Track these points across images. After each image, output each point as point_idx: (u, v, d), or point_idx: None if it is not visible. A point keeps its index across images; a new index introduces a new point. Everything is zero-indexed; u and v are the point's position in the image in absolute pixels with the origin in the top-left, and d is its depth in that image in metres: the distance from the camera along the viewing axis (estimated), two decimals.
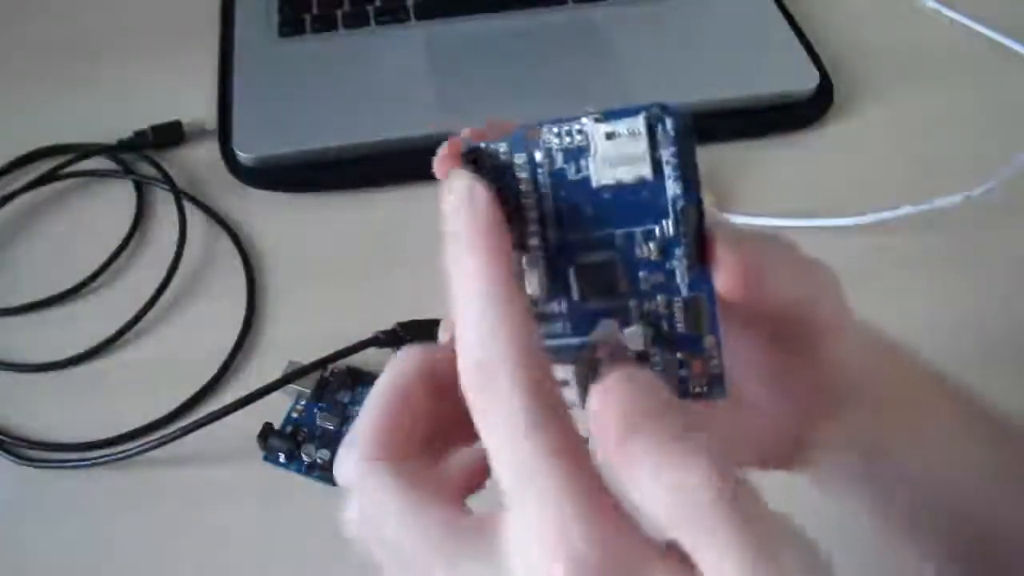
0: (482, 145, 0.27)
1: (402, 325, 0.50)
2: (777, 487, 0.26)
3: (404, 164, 0.60)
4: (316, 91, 0.63)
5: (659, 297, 0.26)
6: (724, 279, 0.26)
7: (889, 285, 0.54)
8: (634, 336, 0.26)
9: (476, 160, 0.27)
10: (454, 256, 0.25)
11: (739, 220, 0.57)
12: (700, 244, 0.25)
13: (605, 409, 0.22)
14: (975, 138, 0.62)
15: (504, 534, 0.23)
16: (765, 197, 0.58)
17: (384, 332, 0.49)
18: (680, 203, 0.25)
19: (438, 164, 0.27)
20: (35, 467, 0.48)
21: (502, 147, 0.27)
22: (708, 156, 0.65)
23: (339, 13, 0.68)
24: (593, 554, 0.21)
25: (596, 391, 0.23)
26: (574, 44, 0.66)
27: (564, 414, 0.23)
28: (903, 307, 0.53)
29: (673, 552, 0.21)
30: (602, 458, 0.22)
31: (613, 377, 0.23)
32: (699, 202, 0.25)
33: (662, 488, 0.21)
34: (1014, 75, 0.66)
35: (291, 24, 0.68)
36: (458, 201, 0.25)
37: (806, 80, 0.63)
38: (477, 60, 0.65)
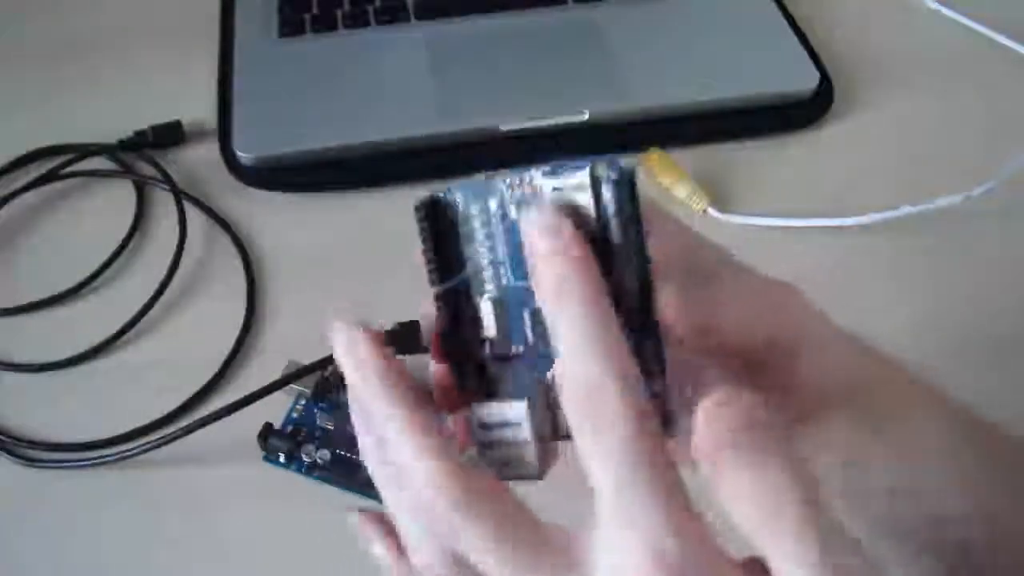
0: (440, 195, 0.28)
1: (402, 325, 0.50)
2: None
3: (404, 164, 0.60)
4: (316, 91, 0.63)
5: None
6: (672, 327, 0.27)
7: (889, 285, 0.55)
8: None
9: (432, 211, 0.28)
10: (561, 293, 0.25)
11: (739, 220, 0.57)
12: (646, 297, 0.26)
13: (710, 423, 0.24)
14: (975, 138, 0.62)
15: (595, 545, 0.23)
16: (765, 197, 0.58)
17: (384, 332, 0.49)
18: (623, 254, 0.25)
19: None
20: (35, 467, 0.48)
21: (458, 197, 0.28)
22: (708, 156, 0.66)
23: (339, 13, 0.68)
24: (684, 565, 0.22)
25: (704, 407, 0.24)
26: (574, 44, 0.66)
27: (660, 437, 0.24)
28: (902, 307, 0.53)
29: (752, 566, 0.23)
30: (705, 467, 0.24)
31: (716, 397, 0.24)
32: (642, 254, 0.26)
33: (756, 493, 0.23)
34: (1014, 75, 0.66)
35: (291, 24, 0.68)
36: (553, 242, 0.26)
37: (806, 80, 0.63)
38: (477, 60, 0.65)
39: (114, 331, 0.53)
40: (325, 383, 0.49)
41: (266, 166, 0.60)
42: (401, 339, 0.50)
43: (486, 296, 0.28)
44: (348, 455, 0.47)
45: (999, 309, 0.53)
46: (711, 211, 0.57)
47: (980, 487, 0.33)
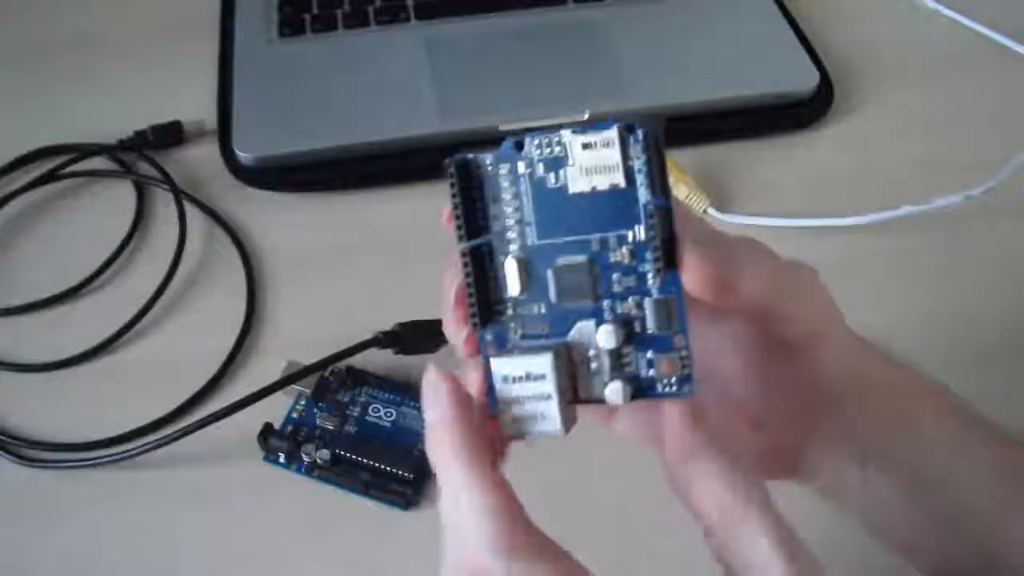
0: (469, 156, 0.29)
1: (402, 325, 0.50)
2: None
3: (404, 164, 0.60)
4: (316, 91, 0.63)
5: (631, 299, 0.28)
6: (691, 281, 0.27)
7: (889, 285, 0.55)
8: (607, 335, 0.28)
9: (463, 171, 0.29)
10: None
11: (739, 220, 0.57)
12: (669, 248, 0.27)
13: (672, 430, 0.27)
14: (975, 138, 0.62)
15: None
16: (765, 197, 0.58)
17: (384, 332, 0.49)
18: (650, 209, 0.27)
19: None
20: (35, 467, 0.48)
21: (487, 159, 0.29)
22: (708, 156, 0.66)
23: (339, 13, 0.68)
24: None
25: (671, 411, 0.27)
26: (574, 44, 0.66)
27: None
28: (903, 307, 0.53)
29: None
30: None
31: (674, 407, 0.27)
32: (668, 209, 0.27)
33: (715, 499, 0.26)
34: (1014, 75, 0.66)
35: (291, 24, 0.68)
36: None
37: (806, 80, 0.63)
38: (477, 60, 0.65)
39: (114, 331, 0.53)
40: (325, 383, 0.50)
41: (266, 166, 0.60)
42: (401, 339, 0.50)
43: (510, 255, 0.29)
44: (348, 455, 0.47)
45: (999, 309, 0.53)
46: (711, 211, 0.57)
47: (993, 486, 0.33)
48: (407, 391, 0.49)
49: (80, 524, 0.46)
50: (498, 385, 0.28)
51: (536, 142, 0.28)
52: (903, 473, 0.33)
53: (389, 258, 0.57)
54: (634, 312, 0.28)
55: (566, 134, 0.28)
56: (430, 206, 0.58)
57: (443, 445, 0.27)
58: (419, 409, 0.49)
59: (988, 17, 0.69)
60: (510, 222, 0.29)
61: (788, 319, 0.30)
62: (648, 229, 0.27)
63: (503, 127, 0.59)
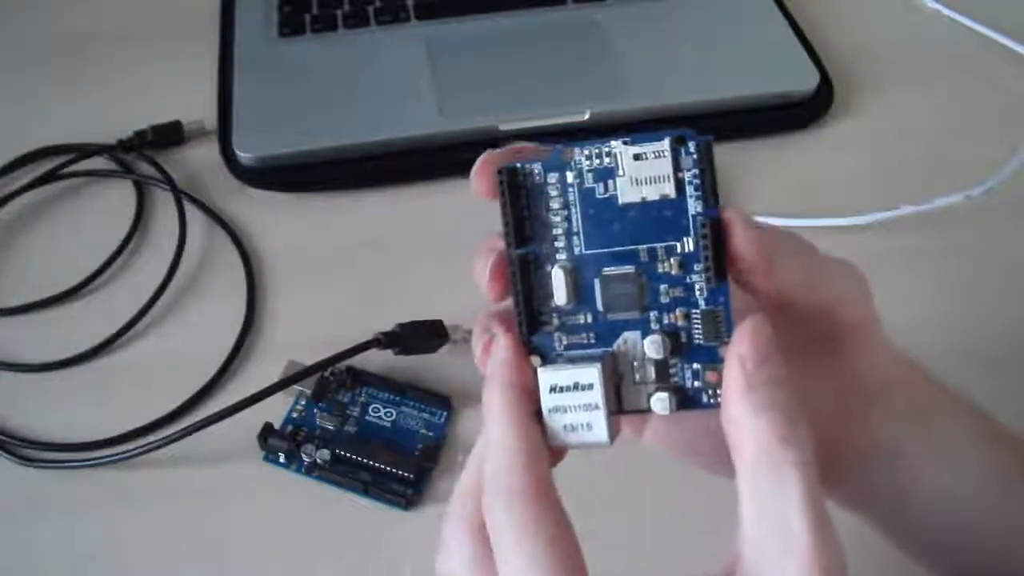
0: (517, 165, 0.29)
1: (402, 326, 0.50)
2: None
3: (404, 164, 0.60)
4: (316, 91, 0.63)
5: (678, 310, 0.28)
6: (736, 258, 0.27)
7: (888, 285, 0.54)
8: (654, 346, 0.28)
9: (512, 178, 0.29)
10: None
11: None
12: (719, 259, 0.27)
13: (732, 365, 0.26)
14: (975, 138, 0.62)
15: None
16: (765, 197, 0.58)
17: (384, 333, 0.49)
18: (701, 220, 0.27)
19: (475, 172, 0.29)
20: (35, 467, 0.48)
21: (536, 167, 0.29)
22: None
23: (339, 13, 0.68)
24: None
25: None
26: (574, 44, 0.66)
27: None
28: (903, 307, 0.53)
29: None
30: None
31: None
32: (718, 220, 0.27)
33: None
34: (1014, 75, 0.66)
35: (291, 24, 0.68)
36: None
37: (806, 80, 0.63)
38: (477, 60, 0.65)
39: (114, 331, 0.53)
40: (325, 383, 0.50)
41: (266, 166, 0.60)
42: (401, 340, 0.50)
43: (558, 265, 0.29)
44: (348, 455, 0.47)
45: (999, 309, 0.53)
46: None
47: (1015, 496, 0.33)
48: (407, 391, 0.49)
49: (80, 524, 0.46)
50: (544, 396, 0.28)
51: (585, 152, 0.28)
52: (926, 476, 0.32)
53: (389, 258, 0.57)
54: (681, 323, 0.28)
55: (616, 144, 0.28)
56: (430, 206, 0.59)
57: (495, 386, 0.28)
58: (419, 409, 0.49)
59: (988, 17, 0.69)
60: (558, 231, 0.29)
61: (833, 311, 0.30)
62: (699, 239, 0.27)
63: (503, 127, 0.59)
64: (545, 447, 0.27)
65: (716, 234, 0.27)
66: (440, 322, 0.50)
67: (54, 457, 0.48)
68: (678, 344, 0.28)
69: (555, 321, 0.29)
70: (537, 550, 0.25)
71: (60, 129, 0.63)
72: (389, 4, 0.68)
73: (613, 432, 0.28)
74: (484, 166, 0.29)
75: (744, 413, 0.25)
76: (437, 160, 0.59)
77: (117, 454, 0.47)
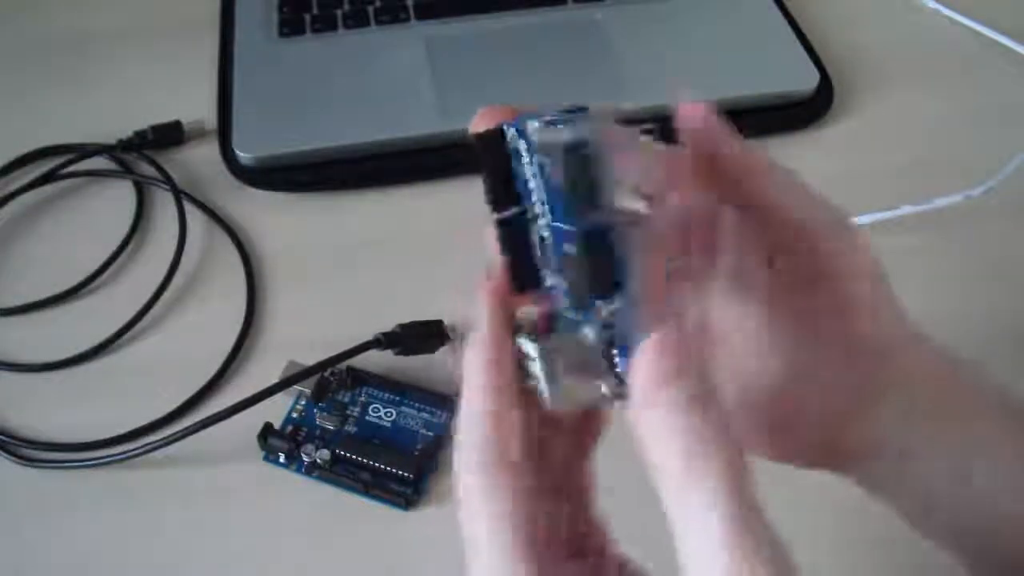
0: (502, 127, 0.28)
1: (402, 326, 0.50)
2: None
3: (404, 164, 0.60)
4: (316, 91, 0.63)
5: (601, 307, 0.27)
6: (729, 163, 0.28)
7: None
8: (589, 336, 0.27)
9: (491, 140, 0.28)
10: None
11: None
12: (594, 278, 0.26)
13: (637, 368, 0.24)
14: (975, 138, 0.62)
15: None
16: None
17: (385, 333, 0.49)
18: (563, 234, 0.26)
19: (472, 127, 0.30)
20: (35, 467, 0.48)
21: (510, 131, 0.28)
22: None
23: (339, 13, 0.68)
24: None
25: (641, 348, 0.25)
26: (574, 44, 0.66)
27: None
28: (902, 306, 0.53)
29: None
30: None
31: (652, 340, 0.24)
32: (600, 231, 0.25)
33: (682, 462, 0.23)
34: (1014, 75, 0.66)
35: (291, 24, 0.68)
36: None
37: (806, 80, 0.63)
38: (477, 60, 0.65)
39: (114, 331, 0.53)
40: (325, 383, 0.50)
41: (266, 166, 0.60)
42: (401, 340, 0.50)
43: (539, 232, 0.28)
44: (348, 455, 0.47)
45: (999, 309, 0.53)
46: None
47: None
48: (407, 391, 0.49)
49: (80, 524, 0.46)
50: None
51: (535, 124, 0.27)
52: (945, 471, 0.31)
53: (389, 258, 0.57)
54: (606, 319, 0.27)
55: (533, 125, 0.27)
56: (430, 206, 0.59)
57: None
58: (419, 409, 0.49)
59: (988, 17, 0.69)
60: (533, 197, 0.28)
61: (828, 255, 0.29)
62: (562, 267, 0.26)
63: (503, 127, 0.59)
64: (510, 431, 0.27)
65: (595, 246, 0.25)
66: (440, 322, 0.50)
67: (54, 457, 0.48)
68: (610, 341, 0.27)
69: (545, 283, 0.28)
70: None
71: (60, 129, 0.63)
72: (389, 4, 0.68)
73: (558, 403, 0.27)
74: (481, 120, 0.29)
75: (645, 436, 0.24)
76: (437, 160, 0.59)
77: (117, 454, 0.47)
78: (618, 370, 0.26)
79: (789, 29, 0.67)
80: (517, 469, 0.27)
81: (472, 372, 0.28)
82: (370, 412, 0.49)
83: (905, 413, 0.31)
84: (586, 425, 0.30)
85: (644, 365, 0.24)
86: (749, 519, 0.22)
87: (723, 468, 0.23)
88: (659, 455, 0.24)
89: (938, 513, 0.32)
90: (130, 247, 0.58)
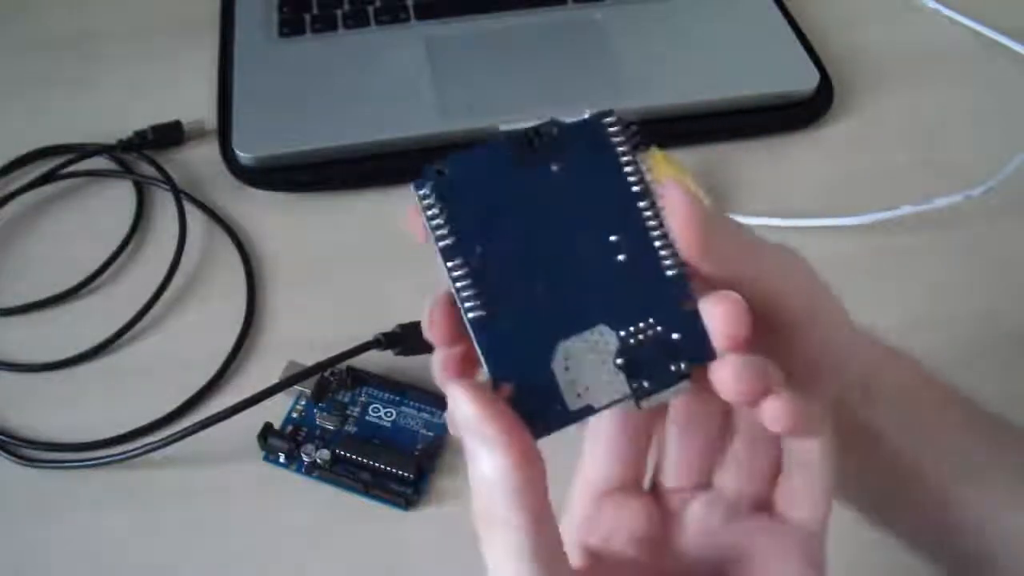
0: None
1: (403, 327, 0.50)
2: None
3: (404, 164, 0.60)
4: (316, 91, 0.63)
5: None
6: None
7: (889, 285, 0.55)
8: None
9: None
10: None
11: (739, 220, 0.57)
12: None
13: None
14: (975, 138, 0.62)
15: None
16: (765, 197, 0.58)
17: (385, 334, 0.49)
18: None
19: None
20: (35, 467, 0.48)
21: None
22: (708, 156, 0.66)
23: (339, 13, 0.68)
24: None
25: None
26: (574, 44, 0.66)
27: None
28: (903, 306, 0.53)
29: None
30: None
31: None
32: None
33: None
34: (1014, 75, 0.66)
35: (291, 24, 0.68)
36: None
37: (806, 80, 0.63)
38: (477, 60, 0.65)
39: (114, 331, 0.53)
40: (325, 383, 0.49)
41: (266, 166, 0.60)
42: (402, 340, 0.50)
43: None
44: (348, 455, 0.47)
45: (999, 309, 0.53)
46: None
47: (995, 482, 0.33)
48: (407, 391, 0.49)
49: (80, 524, 0.46)
50: None
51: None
52: (903, 458, 0.32)
53: (389, 258, 0.57)
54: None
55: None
56: None
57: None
58: (419, 409, 0.49)
59: (988, 17, 0.69)
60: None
61: (773, 296, 0.29)
62: None
63: (503, 127, 0.59)
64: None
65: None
66: None
67: (54, 457, 0.48)
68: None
69: None
70: None
71: (60, 129, 0.63)
72: (389, 4, 0.68)
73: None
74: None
75: None
76: (437, 160, 0.59)
77: (117, 454, 0.47)
78: None
79: (789, 29, 0.66)
80: None
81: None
82: (370, 412, 0.49)
83: (860, 400, 0.31)
84: None
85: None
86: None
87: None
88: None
89: (901, 510, 0.33)
90: (130, 247, 0.58)
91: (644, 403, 0.26)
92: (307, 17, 0.68)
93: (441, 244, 0.27)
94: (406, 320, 0.50)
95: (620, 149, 0.26)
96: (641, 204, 0.26)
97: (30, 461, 0.48)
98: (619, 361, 0.26)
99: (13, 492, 0.47)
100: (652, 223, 0.26)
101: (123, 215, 0.59)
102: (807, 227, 0.56)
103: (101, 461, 0.47)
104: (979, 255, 0.56)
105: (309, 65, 0.65)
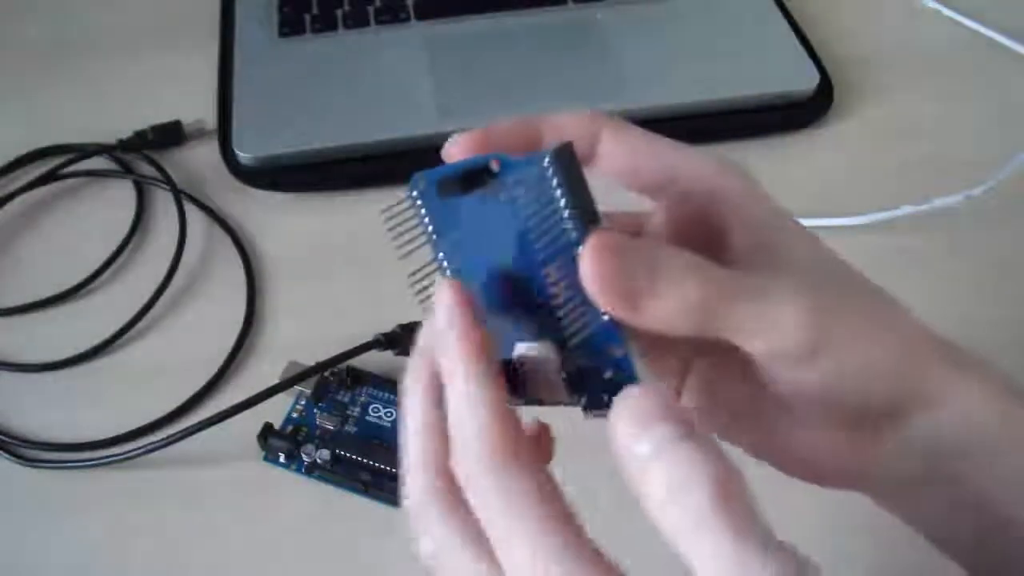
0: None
1: (403, 327, 0.50)
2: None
3: (404, 164, 0.59)
4: (316, 91, 0.63)
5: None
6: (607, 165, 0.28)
7: (889, 285, 0.54)
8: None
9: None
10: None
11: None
12: None
13: (618, 414, 0.24)
14: (975, 138, 0.62)
15: None
16: None
17: (385, 334, 0.49)
18: None
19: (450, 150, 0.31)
20: (35, 467, 0.48)
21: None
22: None
23: (339, 13, 0.68)
24: None
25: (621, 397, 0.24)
26: (574, 44, 0.66)
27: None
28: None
29: None
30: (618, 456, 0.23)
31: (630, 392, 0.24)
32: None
33: (665, 490, 0.22)
34: (1014, 75, 0.66)
35: (291, 24, 0.68)
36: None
37: (806, 80, 0.63)
38: (477, 60, 0.65)
39: (114, 331, 0.53)
40: (325, 383, 0.50)
41: (266, 166, 0.60)
42: (402, 341, 0.50)
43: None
44: (348, 455, 0.47)
45: (999, 309, 0.53)
46: None
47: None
48: None
49: (80, 524, 0.46)
50: None
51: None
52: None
53: (389, 259, 0.56)
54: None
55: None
56: None
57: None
58: None
59: (988, 17, 0.69)
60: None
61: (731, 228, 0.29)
62: None
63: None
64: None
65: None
66: None
67: (54, 457, 0.48)
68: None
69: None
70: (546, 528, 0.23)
71: (60, 129, 0.63)
72: (389, 4, 0.68)
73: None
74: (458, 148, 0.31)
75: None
76: (437, 160, 0.59)
77: (117, 454, 0.47)
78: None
79: (789, 29, 0.66)
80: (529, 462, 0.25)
81: (454, 357, 0.26)
82: (370, 412, 0.49)
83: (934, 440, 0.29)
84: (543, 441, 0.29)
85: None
86: (744, 529, 0.21)
87: (708, 485, 0.22)
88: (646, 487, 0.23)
89: (964, 523, 0.30)
90: (130, 247, 0.58)
91: (587, 415, 0.28)
92: (307, 17, 0.68)
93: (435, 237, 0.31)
94: (406, 320, 0.50)
95: (558, 194, 0.26)
96: (578, 249, 0.26)
97: (30, 461, 0.48)
98: (563, 375, 0.28)
99: (13, 492, 0.47)
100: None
101: (123, 215, 0.59)
102: (807, 227, 0.56)
103: (101, 461, 0.47)
104: (979, 255, 0.56)
105: (309, 65, 0.65)
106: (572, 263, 0.26)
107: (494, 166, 0.28)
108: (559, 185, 0.26)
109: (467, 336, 0.26)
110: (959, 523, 0.30)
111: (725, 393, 0.32)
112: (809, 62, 0.64)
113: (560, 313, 0.27)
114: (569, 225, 0.26)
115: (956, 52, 0.68)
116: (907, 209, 0.55)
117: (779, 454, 0.31)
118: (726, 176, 0.30)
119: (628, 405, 0.23)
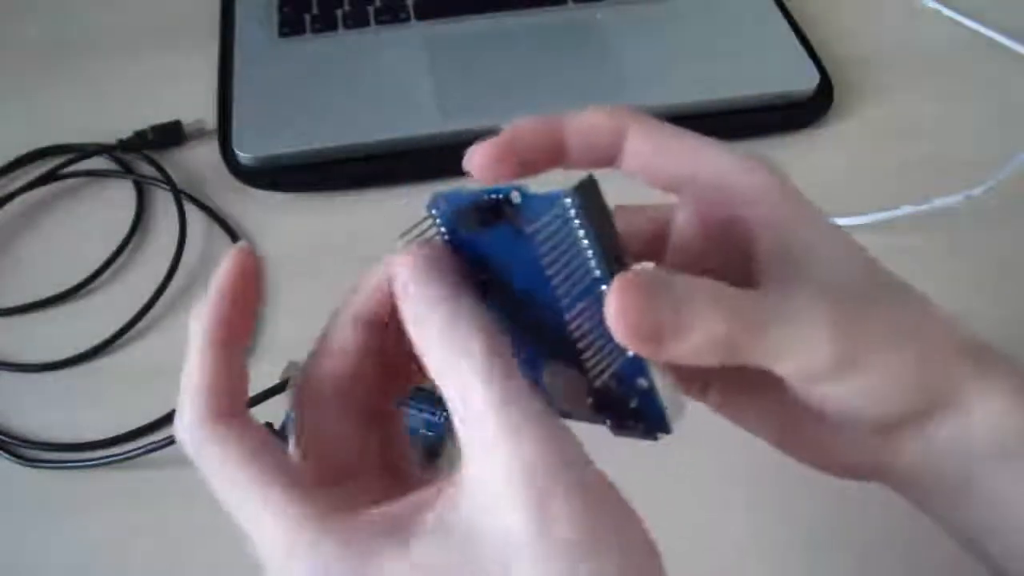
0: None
1: None
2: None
3: (404, 164, 0.60)
4: (316, 91, 0.63)
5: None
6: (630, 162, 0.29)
7: None
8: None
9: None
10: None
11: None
12: None
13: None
14: (975, 138, 0.62)
15: (466, 491, 0.25)
16: None
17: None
18: None
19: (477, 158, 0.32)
20: (35, 467, 0.48)
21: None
22: None
23: (339, 13, 0.68)
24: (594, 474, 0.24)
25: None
26: (574, 44, 0.66)
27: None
28: None
29: None
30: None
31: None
32: None
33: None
34: (1014, 75, 0.66)
35: (291, 24, 0.68)
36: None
37: (806, 80, 0.63)
38: (477, 60, 0.65)
39: (114, 331, 0.53)
40: None
41: (266, 166, 0.60)
42: None
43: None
44: None
45: (999, 309, 0.53)
46: None
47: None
48: (407, 391, 0.49)
49: (80, 524, 0.46)
50: None
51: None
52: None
53: (389, 259, 0.56)
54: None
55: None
56: None
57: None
58: (419, 409, 0.49)
59: (988, 17, 0.69)
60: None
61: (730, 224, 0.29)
62: None
63: (503, 127, 0.59)
64: None
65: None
66: None
67: (54, 457, 0.48)
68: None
69: None
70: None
71: (60, 129, 0.63)
72: (389, 4, 0.68)
73: None
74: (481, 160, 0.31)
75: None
76: (437, 160, 0.59)
77: (117, 454, 0.47)
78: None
79: (789, 29, 0.67)
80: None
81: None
82: None
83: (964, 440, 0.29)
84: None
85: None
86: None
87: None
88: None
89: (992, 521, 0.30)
90: (130, 247, 0.58)
91: (614, 433, 0.28)
92: (307, 17, 0.68)
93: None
94: None
95: (581, 234, 0.26)
96: (602, 289, 0.26)
97: (30, 461, 0.48)
98: (589, 400, 0.28)
99: (13, 492, 0.47)
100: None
101: (123, 215, 0.59)
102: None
103: (101, 461, 0.47)
104: (979, 255, 0.56)
105: (309, 65, 0.65)
106: (597, 302, 0.26)
107: (515, 197, 0.27)
108: (581, 226, 0.25)
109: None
110: (986, 525, 0.30)
111: (750, 398, 0.32)
112: (809, 62, 0.64)
113: (583, 345, 0.27)
114: (592, 264, 0.26)
115: (956, 52, 0.68)
116: (907, 209, 0.55)
117: (800, 449, 0.32)
118: (750, 173, 0.30)
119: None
